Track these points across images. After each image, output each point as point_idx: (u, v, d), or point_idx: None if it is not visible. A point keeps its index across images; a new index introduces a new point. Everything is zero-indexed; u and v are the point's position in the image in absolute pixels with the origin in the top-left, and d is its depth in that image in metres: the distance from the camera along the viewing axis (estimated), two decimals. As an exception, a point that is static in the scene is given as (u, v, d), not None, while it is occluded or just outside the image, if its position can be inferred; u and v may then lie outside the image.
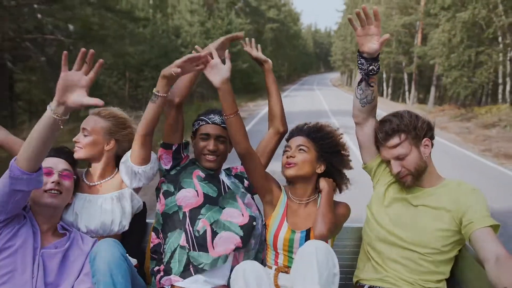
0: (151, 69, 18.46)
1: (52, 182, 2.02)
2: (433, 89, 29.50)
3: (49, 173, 2.06)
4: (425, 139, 2.12)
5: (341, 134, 2.34)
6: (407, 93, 34.59)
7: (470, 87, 21.98)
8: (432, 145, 2.16)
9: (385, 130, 2.11)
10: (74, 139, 2.28)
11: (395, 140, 2.09)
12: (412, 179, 2.11)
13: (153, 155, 2.25)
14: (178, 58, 2.07)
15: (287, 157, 2.21)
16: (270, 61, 2.50)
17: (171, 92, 2.18)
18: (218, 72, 2.07)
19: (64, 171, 2.10)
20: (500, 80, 22.53)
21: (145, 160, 2.19)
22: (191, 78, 2.26)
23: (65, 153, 2.20)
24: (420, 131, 2.10)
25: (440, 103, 28.95)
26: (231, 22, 31.44)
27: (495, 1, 19.26)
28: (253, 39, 2.57)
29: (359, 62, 2.13)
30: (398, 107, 25.90)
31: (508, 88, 21.95)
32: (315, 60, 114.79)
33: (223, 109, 2.11)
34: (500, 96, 22.67)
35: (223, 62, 2.11)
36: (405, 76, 34.73)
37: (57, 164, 2.10)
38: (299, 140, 2.24)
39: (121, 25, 15.52)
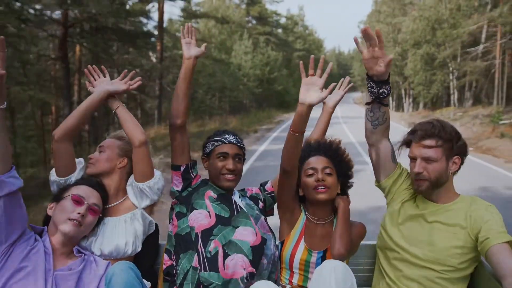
0: (228, 90, 30.60)
1: (78, 213, 1.99)
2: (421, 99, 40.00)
3: (80, 202, 2.03)
4: (456, 156, 2.07)
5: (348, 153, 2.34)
6: (405, 105, 45.37)
7: (427, 97, 33.39)
8: (461, 164, 2.11)
9: (425, 129, 2.06)
10: (89, 156, 2.32)
11: (430, 142, 2.04)
12: (428, 187, 2.06)
13: (157, 172, 2.27)
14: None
15: (316, 181, 2.14)
16: (332, 108, 2.53)
17: (171, 115, 2.24)
18: (314, 93, 1.97)
19: (93, 206, 2.07)
20: (452, 92, 33.53)
21: (147, 176, 2.21)
22: (184, 96, 2.25)
23: (101, 188, 2.20)
24: (456, 147, 2.06)
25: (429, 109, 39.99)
26: (269, 55, 42.81)
27: (442, 41, 30.29)
28: (341, 88, 2.61)
29: (369, 85, 2.08)
30: (397, 114, 37.02)
31: (456, 96, 32.97)
32: (339, 80, 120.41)
33: (294, 124, 2.02)
34: (452, 102, 33.68)
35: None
36: (403, 92, 45.54)
37: (90, 196, 2.08)
38: (322, 161, 2.19)
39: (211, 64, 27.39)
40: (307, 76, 2.00)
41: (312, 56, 2.00)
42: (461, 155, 2.09)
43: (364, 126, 2.21)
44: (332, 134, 2.45)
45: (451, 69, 31.92)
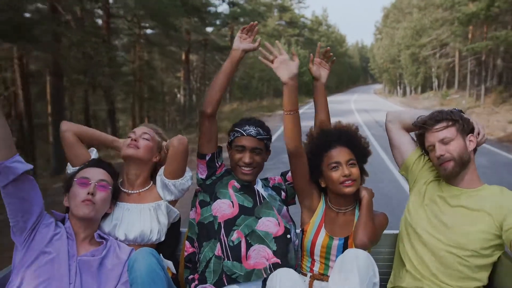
0: (273, 80, 43.64)
1: (87, 193, 2.00)
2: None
3: (85, 183, 2.03)
4: (470, 134, 2.10)
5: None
6: (403, 90, 57.48)
7: (415, 84, 46.33)
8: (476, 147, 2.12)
9: (433, 116, 2.11)
10: (132, 136, 2.28)
11: (441, 124, 2.08)
12: (454, 166, 2.06)
13: (189, 172, 2.29)
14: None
15: (343, 176, 2.12)
16: (321, 80, 2.50)
17: (204, 102, 2.25)
18: (287, 68, 2.08)
19: (100, 182, 2.06)
20: (433, 80, 46.05)
21: (177, 175, 2.23)
22: (222, 88, 2.26)
23: (106, 164, 2.20)
24: (468, 125, 2.10)
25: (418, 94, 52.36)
26: (299, 54, 54.26)
27: (422, 44, 42.32)
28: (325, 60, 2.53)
29: None
30: (396, 98, 49.34)
31: (436, 83, 45.45)
32: (362, 73, 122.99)
33: (285, 105, 2.09)
34: (434, 88, 46.36)
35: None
36: (406, 81, 57.43)
37: (94, 174, 2.08)
38: (345, 153, 2.17)
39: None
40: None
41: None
42: (474, 133, 2.12)
43: (397, 110, 2.33)
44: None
45: (432, 63, 44.03)
